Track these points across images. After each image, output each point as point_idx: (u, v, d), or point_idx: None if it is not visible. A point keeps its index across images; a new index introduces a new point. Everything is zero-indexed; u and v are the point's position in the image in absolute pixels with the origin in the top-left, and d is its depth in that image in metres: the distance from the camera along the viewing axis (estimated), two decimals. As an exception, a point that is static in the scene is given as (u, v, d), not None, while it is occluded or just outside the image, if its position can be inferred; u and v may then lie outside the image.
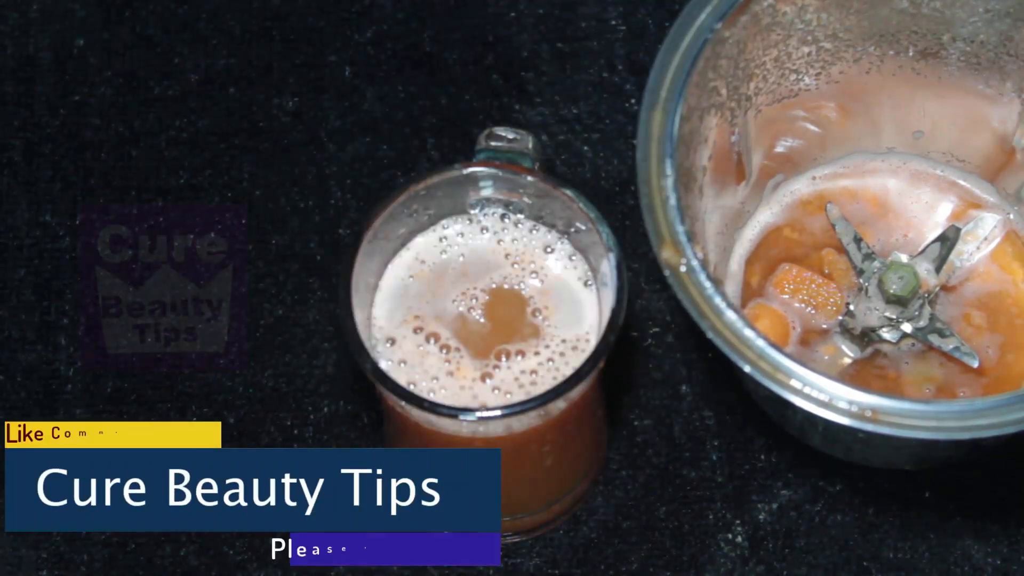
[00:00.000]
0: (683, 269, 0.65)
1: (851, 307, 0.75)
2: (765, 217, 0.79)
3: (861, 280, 0.75)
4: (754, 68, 0.73)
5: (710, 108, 0.71)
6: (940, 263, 0.75)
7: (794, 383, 0.64)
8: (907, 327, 0.74)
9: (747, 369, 0.64)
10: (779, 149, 0.78)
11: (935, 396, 0.74)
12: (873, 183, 0.79)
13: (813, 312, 0.76)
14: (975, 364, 0.74)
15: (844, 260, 0.77)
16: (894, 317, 0.74)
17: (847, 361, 0.76)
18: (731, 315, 0.64)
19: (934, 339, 0.74)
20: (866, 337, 0.75)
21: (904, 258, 0.75)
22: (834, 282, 0.77)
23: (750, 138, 0.76)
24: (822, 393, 0.63)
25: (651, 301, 0.82)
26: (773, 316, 0.76)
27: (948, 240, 0.75)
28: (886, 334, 0.74)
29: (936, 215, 0.79)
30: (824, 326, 0.76)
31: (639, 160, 0.67)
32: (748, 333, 0.64)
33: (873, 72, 0.76)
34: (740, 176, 0.77)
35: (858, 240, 0.76)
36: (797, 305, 0.77)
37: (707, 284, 0.65)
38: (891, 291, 0.73)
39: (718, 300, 0.65)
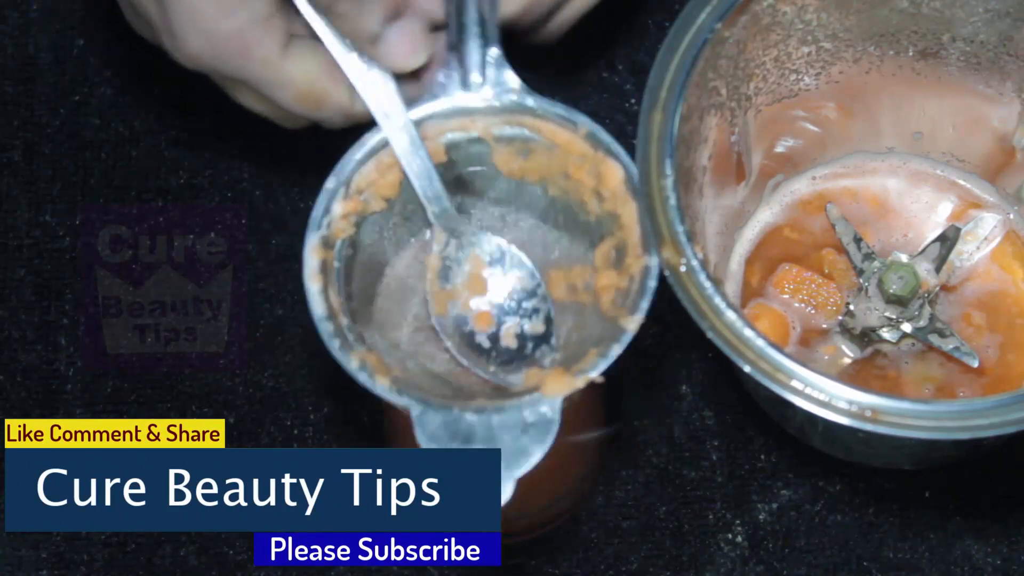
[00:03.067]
0: (683, 269, 0.65)
1: (851, 307, 0.75)
2: (765, 217, 0.79)
3: (861, 280, 0.75)
4: (754, 68, 0.73)
5: (710, 108, 0.71)
6: (940, 263, 0.75)
7: (794, 383, 0.64)
8: (907, 327, 0.74)
9: (747, 369, 0.64)
10: (779, 149, 0.78)
11: (935, 396, 0.74)
12: (873, 183, 0.79)
13: (813, 312, 0.76)
14: (975, 364, 0.74)
15: (844, 260, 0.77)
16: (894, 317, 0.74)
17: (847, 361, 0.76)
18: (731, 315, 0.64)
19: (934, 339, 0.74)
20: (866, 337, 0.75)
21: (904, 258, 0.75)
22: (834, 282, 0.77)
23: (750, 138, 0.76)
24: (822, 393, 0.63)
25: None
26: (773, 316, 0.76)
27: (948, 240, 0.75)
28: (886, 334, 0.74)
29: (936, 215, 0.79)
30: (824, 326, 0.76)
31: (639, 160, 0.67)
32: (748, 333, 0.64)
33: (873, 72, 0.76)
34: (740, 176, 0.77)
35: (858, 240, 0.76)
36: (797, 305, 0.77)
37: (707, 284, 0.65)
38: (891, 291, 0.73)
39: (718, 300, 0.65)
